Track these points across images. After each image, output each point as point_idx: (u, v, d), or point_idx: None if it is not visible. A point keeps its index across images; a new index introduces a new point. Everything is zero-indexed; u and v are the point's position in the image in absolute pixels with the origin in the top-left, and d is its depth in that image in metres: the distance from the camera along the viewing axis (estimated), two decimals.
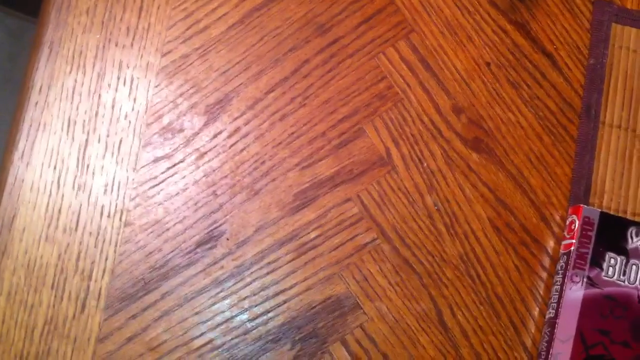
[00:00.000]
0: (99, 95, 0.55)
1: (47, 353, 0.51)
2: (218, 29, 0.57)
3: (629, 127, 0.57)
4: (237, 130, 0.55)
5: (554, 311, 0.51)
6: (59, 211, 0.53)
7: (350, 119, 0.56)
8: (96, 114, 0.55)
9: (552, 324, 0.51)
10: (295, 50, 0.57)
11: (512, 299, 0.54)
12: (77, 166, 0.54)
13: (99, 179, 0.54)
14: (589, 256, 0.51)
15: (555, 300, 0.51)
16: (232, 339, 0.52)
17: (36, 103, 0.55)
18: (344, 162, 0.55)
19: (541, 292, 0.54)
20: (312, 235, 0.54)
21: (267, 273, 0.53)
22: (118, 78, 0.56)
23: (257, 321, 0.53)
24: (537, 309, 0.53)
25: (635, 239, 0.52)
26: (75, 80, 0.55)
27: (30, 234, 0.53)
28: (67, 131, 0.55)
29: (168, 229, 0.54)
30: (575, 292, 0.51)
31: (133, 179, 0.54)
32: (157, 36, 0.56)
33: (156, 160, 0.55)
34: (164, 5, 0.57)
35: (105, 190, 0.54)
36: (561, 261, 0.53)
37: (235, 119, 0.56)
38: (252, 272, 0.53)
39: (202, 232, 0.54)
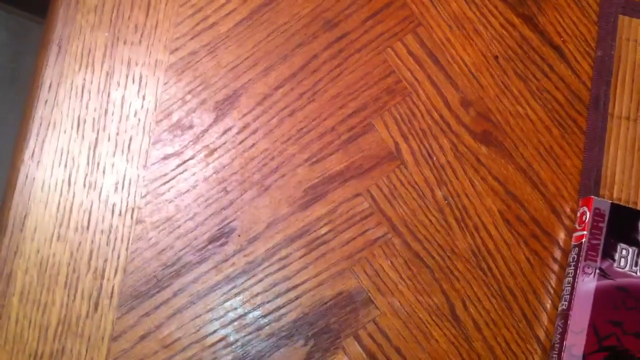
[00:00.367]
0: (108, 93, 0.55)
1: (62, 352, 0.51)
2: (226, 25, 0.57)
3: (637, 118, 0.57)
4: (246, 126, 0.55)
5: (566, 303, 0.51)
6: (70, 210, 0.53)
7: (359, 114, 0.56)
8: (105, 112, 0.55)
9: (565, 316, 0.51)
10: (304, 46, 0.57)
11: (524, 291, 0.54)
12: (88, 164, 0.54)
13: (110, 177, 0.54)
14: (601, 248, 0.51)
15: (567, 292, 0.51)
16: (245, 335, 0.52)
17: (45, 101, 0.55)
18: (354, 157, 0.55)
19: (553, 285, 0.54)
20: (323, 230, 0.54)
21: (279, 269, 0.53)
22: (127, 76, 0.56)
23: (269, 317, 0.53)
24: (550, 301, 0.54)
25: None
26: (84, 78, 0.55)
27: (42, 233, 0.53)
28: (77, 129, 0.54)
29: (179, 226, 0.54)
30: (588, 283, 0.51)
31: (143, 177, 0.54)
32: (165, 33, 0.56)
33: (166, 157, 0.55)
34: (171, 2, 0.57)
35: (116, 189, 0.54)
36: (573, 253, 0.53)
37: (245, 115, 0.56)
38: (263, 269, 0.53)
39: (213, 229, 0.54)
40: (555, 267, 0.54)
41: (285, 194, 0.55)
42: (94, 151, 0.54)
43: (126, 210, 0.53)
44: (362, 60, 0.57)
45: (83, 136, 0.54)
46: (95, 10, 0.56)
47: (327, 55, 0.57)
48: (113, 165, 0.54)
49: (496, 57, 0.58)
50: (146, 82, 0.56)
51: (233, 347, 0.52)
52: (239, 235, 0.54)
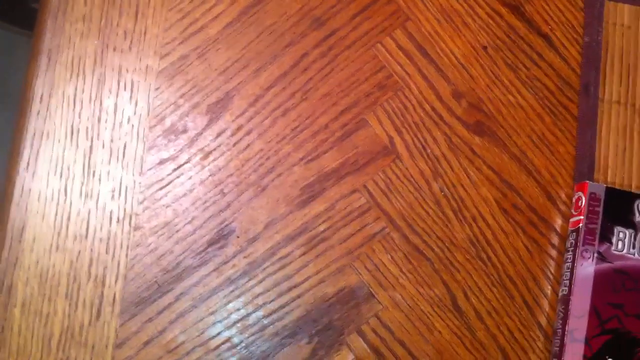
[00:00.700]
0: (101, 101, 0.55)
1: None
2: (215, 28, 0.57)
3: (627, 102, 0.57)
4: (240, 127, 0.56)
5: (567, 288, 0.51)
6: (68, 219, 0.53)
7: (352, 110, 0.56)
8: (99, 120, 0.55)
9: (566, 301, 0.51)
10: (293, 45, 0.57)
11: (524, 279, 0.54)
12: (83, 173, 0.54)
13: (106, 185, 0.54)
14: (598, 231, 0.52)
15: (567, 278, 0.52)
16: (249, 336, 0.52)
17: (38, 112, 0.55)
18: (349, 154, 0.56)
19: (552, 271, 0.54)
20: (322, 228, 0.54)
21: (279, 268, 0.53)
22: (118, 83, 0.56)
23: (272, 317, 0.53)
24: (550, 287, 0.54)
25: None
26: (76, 88, 0.55)
27: (41, 243, 0.53)
28: (71, 139, 0.54)
29: (178, 231, 0.54)
30: (587, 267, 0.51)
31: (140, 183, 0.54)
32: (155, 39, 0.56)
33: (161, 162, 0.55)
34: (159, 7, 0.57)
35: (113, 196, 0.54)
36: (570, 238, 0.53)
37: (238, 116, 0.56)
38: (264, 269, 0.53)
39: (212, 232, 0.54)
40: (554, 253, 0.55)
41: (282, 193, 0.55)
42: (89, 159, 0.54)
43: (124, 217, 0.53)
44: (352, 56, 0.57)
45: (77, 145, 0.54)
46: (83, 19, 0.56)
47: (317, 53, 0.57)
48: (109, 173, 0.54)
49: (485, 48, 0.58)
50: (138, 88, 0.56)
51: (237, 348, 0.52)
52: (238, 237, 0.54)
